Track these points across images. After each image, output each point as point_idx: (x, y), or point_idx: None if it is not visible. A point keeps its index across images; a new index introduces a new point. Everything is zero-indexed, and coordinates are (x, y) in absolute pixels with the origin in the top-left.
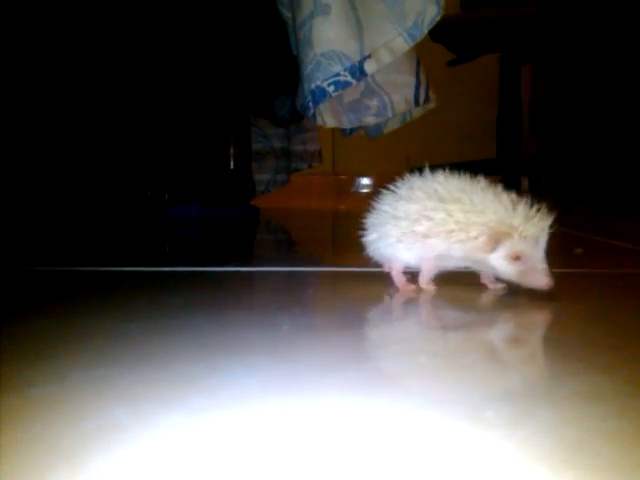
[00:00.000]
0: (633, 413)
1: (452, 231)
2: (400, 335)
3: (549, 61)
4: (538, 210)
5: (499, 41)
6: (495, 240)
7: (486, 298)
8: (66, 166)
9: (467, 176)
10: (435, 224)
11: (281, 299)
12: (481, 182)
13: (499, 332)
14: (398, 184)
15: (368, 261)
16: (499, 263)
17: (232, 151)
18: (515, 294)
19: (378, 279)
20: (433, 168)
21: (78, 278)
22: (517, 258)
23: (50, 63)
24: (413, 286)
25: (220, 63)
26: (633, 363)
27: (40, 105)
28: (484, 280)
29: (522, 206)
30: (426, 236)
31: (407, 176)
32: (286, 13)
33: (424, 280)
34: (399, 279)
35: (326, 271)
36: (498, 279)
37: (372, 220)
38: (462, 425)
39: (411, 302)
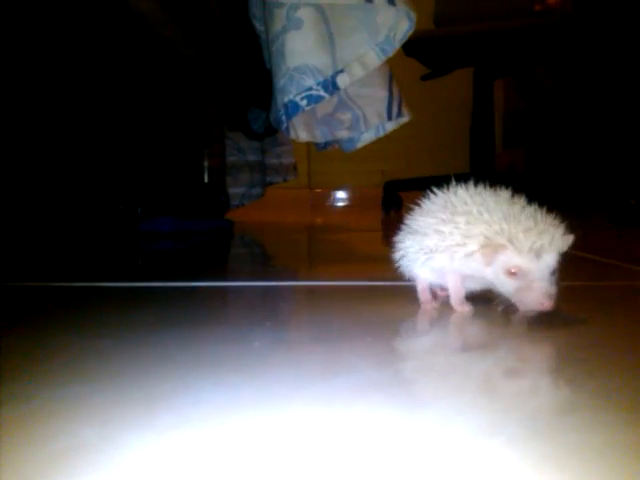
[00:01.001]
0: (600, 426)
1: (456, 245)
2: (372, 349)
3: (522, 76)
4: (546, 222)
5: (472, 56)
6: (490, 252)
7: (456, 315)
8: (35, 179)
9: (488, 187)
10: (443, 238)
11: (254, 314)
12: (502, 194)
13: (467, 345)
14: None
15: (343, 275)
16: (496, 278)
17: (206, 164)
18: (487, 308)
19: (353, 293)
20: (407, 182)
21: (48, 294)
22: (513, 273)
23: (19, 73)
24: (434, 303)
25: (194, 76)
26: (602, 376)
27: (7, 117)
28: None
29: (525, 217)
30: (434, 251)
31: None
32: (259, 27)
33: (454, 302)
34: (423, 295)
35: (302, 285)
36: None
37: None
38: (428, 437)
39: (387, 316)
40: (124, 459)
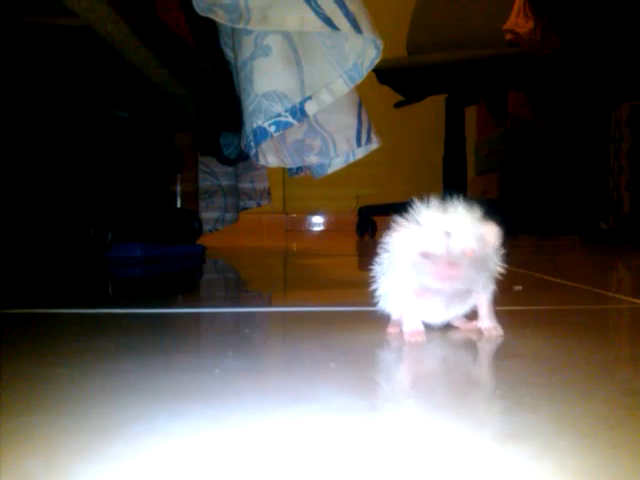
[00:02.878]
0: (554, 452)
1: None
2: (335, 376)
3: (493, 102)
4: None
5: (444, 84)
6: (398, 235)
7: (423, 341)
8: (3, 203)
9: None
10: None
11: (221, 341)
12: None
13: (427, 371)
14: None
15: (317, 300)
16: (414, 266)
17: (179, 189)
18: (448, 329)
19: (326, 318)
20: (380, 208)
21: (8, 321)
22: (425, 255)
23: None
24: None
25: (165, 102)
26: (558, 401)
27: None
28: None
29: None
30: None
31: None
32: (229, 53)
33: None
34: (391, 328)
35: (274, 311)
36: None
37: None
38: (383, 466)
39: (355, 342)
40: None
